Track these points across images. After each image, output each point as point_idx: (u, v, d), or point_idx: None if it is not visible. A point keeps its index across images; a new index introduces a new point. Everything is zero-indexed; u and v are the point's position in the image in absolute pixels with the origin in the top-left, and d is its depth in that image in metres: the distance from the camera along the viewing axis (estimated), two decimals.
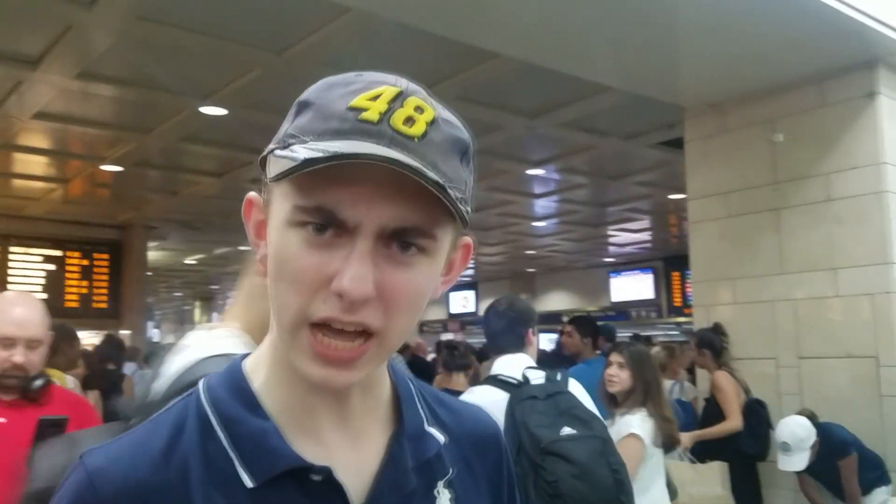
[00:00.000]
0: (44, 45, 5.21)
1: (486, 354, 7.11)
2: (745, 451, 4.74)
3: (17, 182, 9.24)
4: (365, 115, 0.63)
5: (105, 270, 11.18)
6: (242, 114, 6.34)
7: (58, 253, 10.84)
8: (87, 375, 5.93)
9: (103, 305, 11.10)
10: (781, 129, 5.09)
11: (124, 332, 10.61)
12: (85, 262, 11.03)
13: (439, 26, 4.55)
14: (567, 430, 2.32)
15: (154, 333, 23.86)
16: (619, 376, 3.49)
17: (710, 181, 5.51)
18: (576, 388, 2.58)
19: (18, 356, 2.23)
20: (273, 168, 0.66)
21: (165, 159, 8.08)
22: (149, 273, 14.05)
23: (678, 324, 15.75)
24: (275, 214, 0.67)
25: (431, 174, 0.62)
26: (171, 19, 4.81)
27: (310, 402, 0.71)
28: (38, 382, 2.32)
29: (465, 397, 2.50)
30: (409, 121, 0.63)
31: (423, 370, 7.43)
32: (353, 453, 0.72)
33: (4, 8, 4.67)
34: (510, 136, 7.43)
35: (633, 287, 17.73)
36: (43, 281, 10.64)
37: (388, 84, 0.66)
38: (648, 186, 9.71)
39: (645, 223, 13.14)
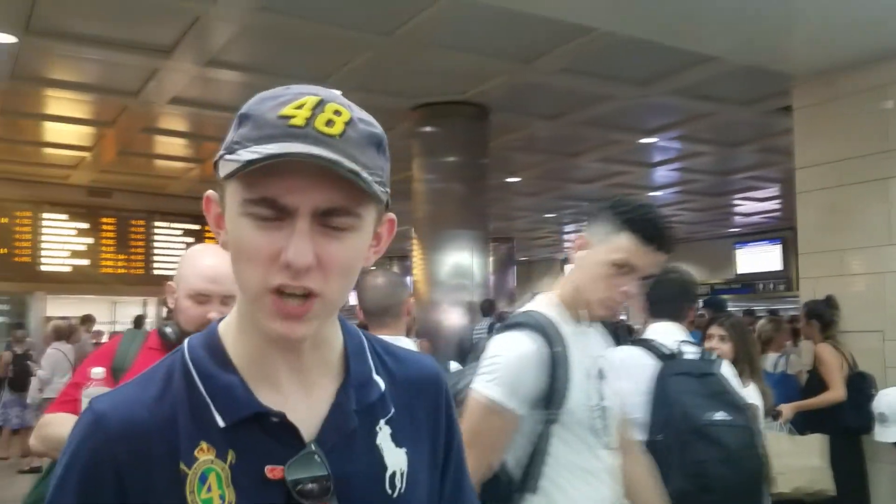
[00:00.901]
0: (175, 36, 5.69)
1: None
2: (846, 425, 4.65)
3: (159, 163, 10.06)
4: (293, 121, 0.78)
5: None
6: (352, 96, 6.64)
7: (197, 227, 11.92)
8: None
9: None
10: (892, 97, 4.91)
11: None
12: None
13: (542, 8, 4.66)
14: (722, 415, 2.32)
15: None
16: (721, 349, 3.48)
17: (818, 150, 5.37)
18: (727, 370, 2.59)
19: (213, 312, 2.00)
20: (223, 170, 0.81)
21: None
22: None
23: None
24: (229, 207, 0.82)
25: (347, 164, 0.76)
26: (289, 8, 5.17)
27: (270, 358, 0.86)
28: None
29: (616, 354, 2.42)
30: (330, 123, 0.78)
31: None
32: (306, 400, 0.87)
33: (140, 2, 5.17)
34: (620, 106, 7.38)
35: (759, 259, 17.03)
36: (184, 252, 11.53)
37: (310, 94, 0.80)
38: (774, 153, 9.34)
39: (772, 191, 12.64)
